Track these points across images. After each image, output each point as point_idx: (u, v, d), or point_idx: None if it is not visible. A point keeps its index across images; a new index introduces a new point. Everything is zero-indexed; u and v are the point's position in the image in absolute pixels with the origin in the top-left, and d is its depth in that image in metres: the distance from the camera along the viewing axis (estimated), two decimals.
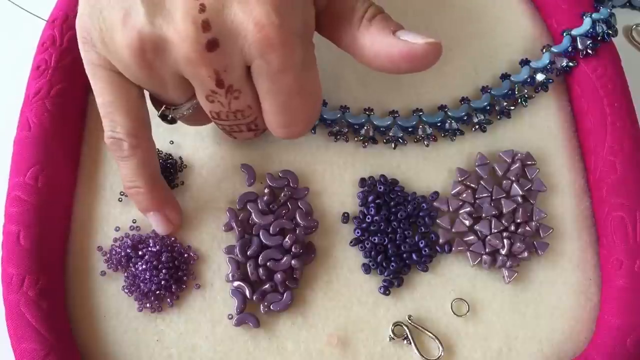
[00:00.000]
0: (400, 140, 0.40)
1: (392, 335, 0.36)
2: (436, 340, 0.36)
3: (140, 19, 0.28)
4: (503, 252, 0.37)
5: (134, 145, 0.32)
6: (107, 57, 0.30)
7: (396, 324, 0.36)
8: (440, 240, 0.38)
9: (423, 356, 0.35)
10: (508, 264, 0.37)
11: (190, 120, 0.36)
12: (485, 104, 0.41)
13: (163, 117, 0.34)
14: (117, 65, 0.30)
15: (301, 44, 0.29)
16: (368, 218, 0.37)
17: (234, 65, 0.29)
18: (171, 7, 0.27)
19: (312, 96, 0.32)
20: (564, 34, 0.41)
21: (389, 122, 0.40)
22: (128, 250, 0.36)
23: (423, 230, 0.38)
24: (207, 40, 0.27)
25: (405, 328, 0.36)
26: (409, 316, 0.36)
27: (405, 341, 0.36)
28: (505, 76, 0.42)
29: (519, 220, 0.38)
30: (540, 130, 0.41)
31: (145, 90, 0.33)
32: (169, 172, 0.39)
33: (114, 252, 0.37)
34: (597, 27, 0.40)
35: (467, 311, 0.36)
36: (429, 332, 0.36)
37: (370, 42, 0.31)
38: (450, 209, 0.38)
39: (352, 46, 0.32)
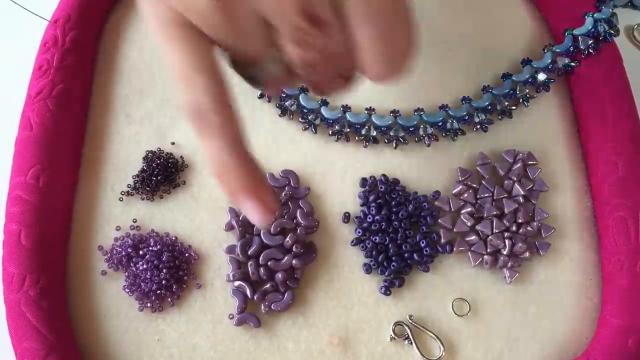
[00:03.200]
0: (401, 140, 0.40)
1: (393, 335, 0.36)
2: (437, 340, 0.36)
3: None
4: (504, 252, 0.37)
5: (219, 113, 0.27)
6: (179, 8, 0.26)
7: (397, 324, 0.36)
8: (442, 240, 0.37)
9: (424, 356, 0.35)
10: (509, 264, 0.37)
11: (278, 82, 0.30)
12: (487, 103, 0.40)
13: (251, 78, 0.29)
14: (192, 15, 0.26)
15: None
16: (369, 218, 0.37)
17: None
18: None
19: (406, 17, 0.28)
20: (566, 34, 0.41)
21: (390, 122, 0.40)
22: (129, 250, 0.36)
23: (424, 230, 0.38)
24: None
25: (406, 328, 0.36)
26: (410, 316, 0.36)
27: (406, 341, 0.36)
28: (506, 76, 0.42)
29: (520, 221, 0.38)
30: (541, 130, 0.41)
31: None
32: (170, 171, 0.39)
33: (114, 252, 0.37)
34: (599, 27, 0.40)
35: (468, 311, 0.36)
36: (429, 331, 0.36)
37: None
38: (452, 209, 0.38)
39: None
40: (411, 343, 0.35)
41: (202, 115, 0.27)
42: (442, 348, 0.35)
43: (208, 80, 0.27)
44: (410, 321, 0.36)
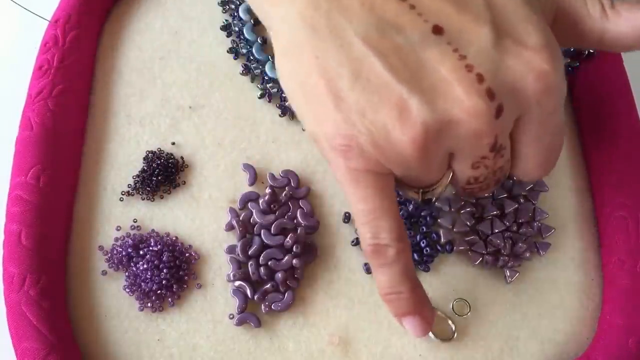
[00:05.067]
0: None
1: None
2: (449, 321, 0.36)
3: (420, 110, 0.25)
4: (505, 252, 0.37)
5: (400, 250, 0.29)
6: (379, 159, 0.27)
7: None
8: (442, 240, 0.37)
9: (436, 336, 0.35)
10: (510, 264, 0.37)
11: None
12: None
13: (427, 201, 0.31)
14: (391, 164, 0.27)
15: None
16: None
17: (509, 124, 0.27)
18: (445, 87, 0.25)
19: (564, 127, 0.29)
20: None
21: None
22: (129, 250, 0.36)
23: (424, 229, 0.38)
24: (495, 108, 0.25)
25: None
26: None
27: None
28: None
29: (520, 220, 0.38)
30: None
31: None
32: (170, 171, 0.39)
33: (115, 252, 0.37)
34: None
35: (469, 311, 0.36)
36: (441, 312, 0.36)
37: (630, 28, 0.28)
38: (452, 209, 0.38)
39: (603, 40, 0.29)
40: None
41: (379, 251, 0.29)
42: (453, 328, 0.35)
43: (391, 223, 0.29)
44: None
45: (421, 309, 0.31)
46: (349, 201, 0.29)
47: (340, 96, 0.26)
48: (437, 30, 0.25)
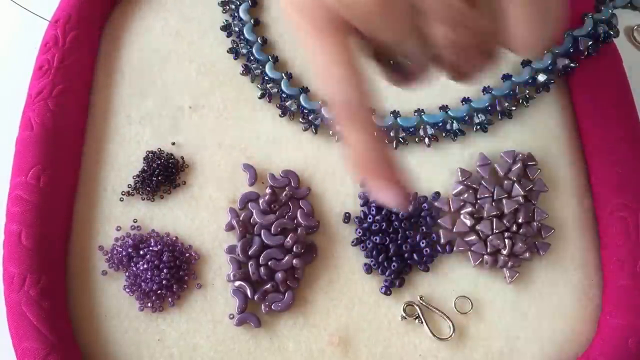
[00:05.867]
0: (402, 141, 0.40)
1: (404, 315, 0.36)
2: (447, 320, 0.36)
3: None
4: (504, 252, 0.37)
5: (367, 107, 0.28)
6: (342, 12, 0.26)
7: (408, 304, 0.36)
8: (442, 241, 0.38)
9: (435, 335, 0.35)
10: (509, 264, 0.37)
11: (421, 68, 0.30)
12: (487, 104, 0.41)
13: (395, 66, 0.29)
14: (354, 16, 0.26)
15: None
16: (369, 218, 0.37)
17: None
18: None
19: None
20: (565, 35, 0.41)
21: (390, 122, 0.40)
22: (129, 250, 0.36)
23: (424, 230, 0.38)
24: None
25: (417, 308, 0.36)
26: (420, 297, 0.36)
27: (417, 320, 0.36)
28: (506, 77, 0.42)
29: (520, 221, 0.38)
30: (541, 130, 0.41)
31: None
32: (170, 171, 0.39)
33: (115, 252, 0.37)
34: (599, 28, 0.40)
35: (471, 308, 0.36)
36: (440, 312, 0.36)
37: None
38: (452, 209, 0.38)
39: None
40: (422, 322, 0.36)
41: (352, 110, 0.27)
42: (452, 328, 0.36)
43: (361, 78, 0.27)
44: (421, 301, 0.36)
45: (397, 176, 0.29)
46: (313, 61, 0.28)
47: None
48: None
